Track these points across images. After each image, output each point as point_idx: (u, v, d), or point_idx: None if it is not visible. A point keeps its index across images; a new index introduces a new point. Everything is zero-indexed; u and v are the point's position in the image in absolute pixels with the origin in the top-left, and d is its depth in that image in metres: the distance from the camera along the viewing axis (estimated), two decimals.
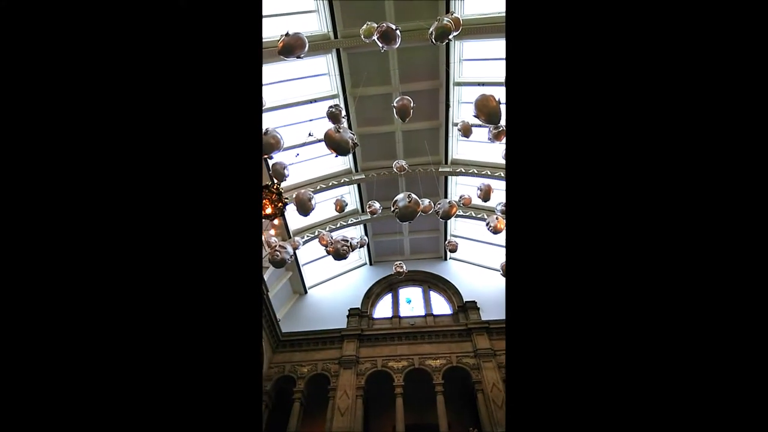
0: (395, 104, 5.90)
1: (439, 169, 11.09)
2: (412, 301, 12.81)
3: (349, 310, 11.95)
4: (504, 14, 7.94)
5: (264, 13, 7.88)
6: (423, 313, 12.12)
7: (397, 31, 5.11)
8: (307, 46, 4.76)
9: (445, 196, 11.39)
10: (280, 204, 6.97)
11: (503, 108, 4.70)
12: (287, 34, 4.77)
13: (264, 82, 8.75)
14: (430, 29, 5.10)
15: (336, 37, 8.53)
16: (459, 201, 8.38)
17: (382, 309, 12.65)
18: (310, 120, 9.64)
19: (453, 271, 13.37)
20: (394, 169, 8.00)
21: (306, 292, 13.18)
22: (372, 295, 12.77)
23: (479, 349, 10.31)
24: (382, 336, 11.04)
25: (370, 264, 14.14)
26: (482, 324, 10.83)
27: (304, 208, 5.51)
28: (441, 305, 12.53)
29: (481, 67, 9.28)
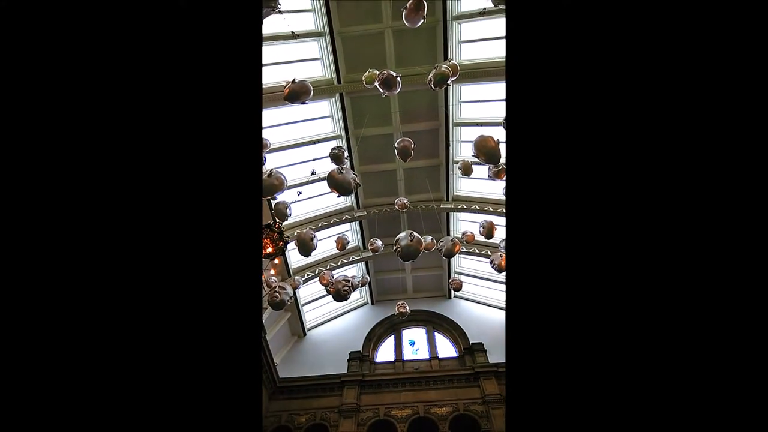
0: (396, 145, 6.02)
1: (441, 206, 11.12)
2: (415, 344, 12.29)
3: (349, 354, 11.44)
4: (498, 59, 8.39)
5: (269, 61, 8.34)
6: (427, 357, 11.58)
7: (398, 78, 5.34)
8: (312, 92, 4.95)
9: (448, 233, 11.33)
10: (281, 243, 6.90)
11: (502, 147, 4.77)
12: (293, 81, 4.97)
13: (268, 124, 9.05)
14: (429, 76, 5.31)
15: (339, 82, 8.93)
16: (462, 238, 8.29)
17: (385, 352, 12.11)
18: (314, 159, 9.85)
19: (458, 310, 12.96)
20: (396, 207, 8.01)
21: (305, 334, 12.71)
22: (374, 338, 12.29)
23: (488, 394, 9.71)
24: (384, 382, 10.46)
25: (372, 303, 13.76)
26: (490, 367, 10.29)
27: (306, 249, 5.43)
28: (446, 347, 12.00)
29: (478, 107, 9.61)
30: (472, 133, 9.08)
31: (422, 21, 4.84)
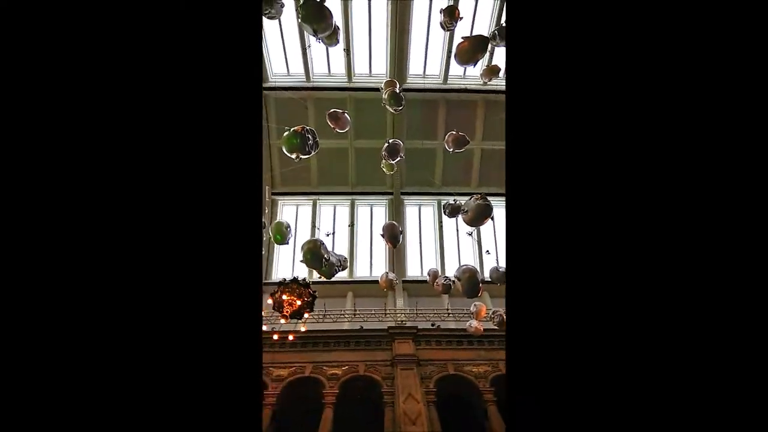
0: (448, 145, 5.98)
1: None
2: None
3: None
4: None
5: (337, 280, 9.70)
6: None
7: (391, 142, 5.76)
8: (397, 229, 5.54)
9: None
10: None
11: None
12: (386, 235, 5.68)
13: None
14: (386, 106, 5.62)
15: (392, 194, 9.78)
16: None
17: None
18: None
19: None
20: None
21: None
22: None
23: None
24: None
25: None
26: None
27: None
28: None
29: (434, 62, 9.39)
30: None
31: (347, 118, 5.52)
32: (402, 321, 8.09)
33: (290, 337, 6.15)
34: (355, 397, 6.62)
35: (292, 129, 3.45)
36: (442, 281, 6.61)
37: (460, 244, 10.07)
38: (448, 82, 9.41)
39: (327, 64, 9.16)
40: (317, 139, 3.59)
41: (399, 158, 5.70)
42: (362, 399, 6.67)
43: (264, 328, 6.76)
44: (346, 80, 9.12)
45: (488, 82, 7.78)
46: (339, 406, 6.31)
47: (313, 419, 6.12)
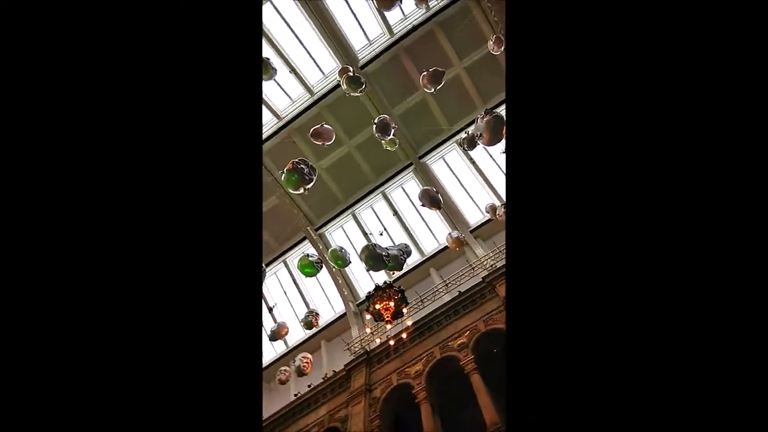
0: (426, 86, 5.73)
1: None
2: None
3: None
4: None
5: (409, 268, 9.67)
6: None
7: (380, 120, 5.67)
8: (437, 196, 5.45)
9: None
10: None
11: None
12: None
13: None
14: (346, 93, 5.55)
15: (409, 162, 9.66)
16: None
17: None
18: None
19: None
20: None
21: None
22: None
23: None
24: None
25: None
26: None
27: None
28: None
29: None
30: None
31: (327, 128, 5.53)
32: (492, 266, 7.96)
33: (404, 336, 6.40)
34: (491, 352, 6.67)
35: (284, 169, 3.55)
36: (503, 210, 6.40)
37: (501, 167, 9.62)
38: (394, 32, 8.99)
39: (285, 93, 9.26)
40: (311, 164, 3.65)
41: (394, 129, 5.59)
42: (498, 351, 6.69)
43: (377, 341, 7.13)
44: (309, 95, 9.13)
45: (429, 6, 7.35)
46: (481, 369, 6.40)
47: (467, 392, 6.28)
